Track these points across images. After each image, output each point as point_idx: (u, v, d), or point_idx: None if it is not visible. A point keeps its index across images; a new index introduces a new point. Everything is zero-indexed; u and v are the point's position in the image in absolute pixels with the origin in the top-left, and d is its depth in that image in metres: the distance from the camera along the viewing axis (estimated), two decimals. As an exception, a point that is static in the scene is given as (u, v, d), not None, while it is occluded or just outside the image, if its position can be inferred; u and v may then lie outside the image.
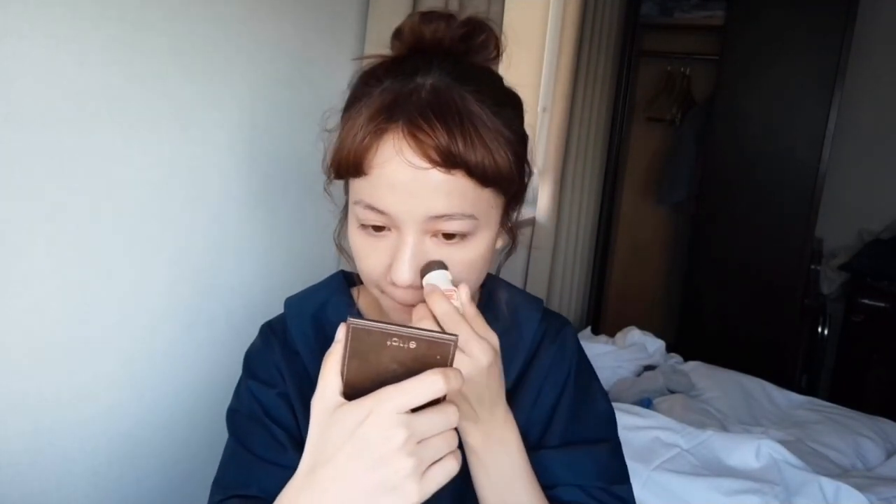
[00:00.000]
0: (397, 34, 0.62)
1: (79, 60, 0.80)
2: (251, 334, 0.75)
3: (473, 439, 0.59)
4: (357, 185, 0.57)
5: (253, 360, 0.71)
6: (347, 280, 0.74)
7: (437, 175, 0.53)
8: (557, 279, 2.55)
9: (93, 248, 0.86)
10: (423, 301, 0.56)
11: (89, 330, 0.88)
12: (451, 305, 0.54)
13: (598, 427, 0.70)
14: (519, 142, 0.60)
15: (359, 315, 0.70)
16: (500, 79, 0.63)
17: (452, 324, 0.53)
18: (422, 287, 0.56)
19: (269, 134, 1.11)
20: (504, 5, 1.65)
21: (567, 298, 2.67)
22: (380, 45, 1.23)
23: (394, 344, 0.45)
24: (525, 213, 2.44)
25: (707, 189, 2.76)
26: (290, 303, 0.72)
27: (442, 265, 0.58)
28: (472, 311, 0.56)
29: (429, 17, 0.61)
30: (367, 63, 0.62)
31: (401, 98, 0.55)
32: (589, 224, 2.78)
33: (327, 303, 0.70)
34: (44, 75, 0.76)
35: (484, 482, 0.60)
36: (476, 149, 0.54)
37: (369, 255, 0.59)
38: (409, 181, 0.54)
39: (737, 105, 2.65)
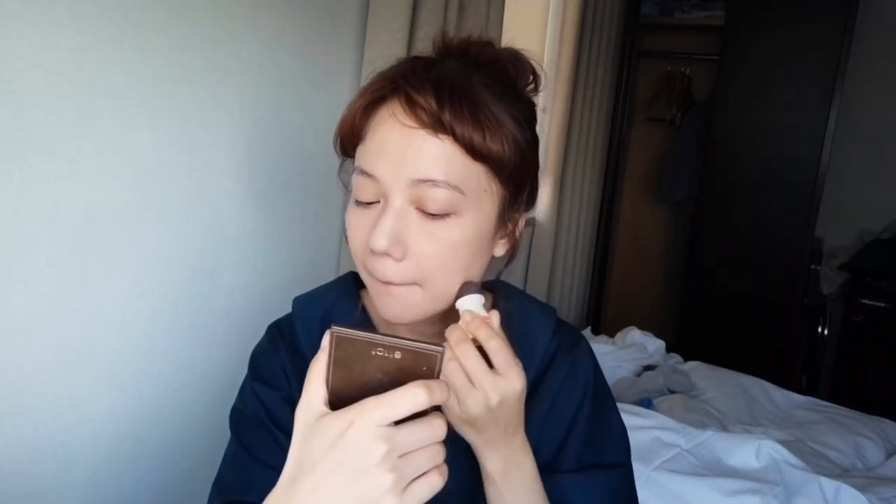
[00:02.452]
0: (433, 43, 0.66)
1: (79, 60, 0.80)
2: (251, 334, 0.75)
3: (493, 466, 0.59)
4: (357, 154, 0.60)
5: (258, 361, 0.70)
6: (357, 279, 0.72)
7: (425, 137, 0.55)
8: (557, 279, 2.55)
9: (93, 248, 0.86)
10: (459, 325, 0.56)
11: (89, 329, 0.88)
12: (492, 330, 0.55)
13: (613, 451, 0.69)
14: (523, 134, 0.60)
15: (367, 321, 0.69)
16: (516, 83, 0.63)
17: (496, 349, 0.54)
18: (399, 260, 0.57)
19: (270, 133, 1.11)
20: (504, 5, 1.65)
21: (567, 298, 2.67)
22: (380, 45, 1.24)
23: (378, 354, 0.44)
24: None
25: (707, 189, 2.76)
26: (298, 303, 0.71)
27: (477, 288, 0.59)
28: (502, 337, 0.56)
29: (471, 40, 0.64)
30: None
31: (408, 72, 0.58)
32: (589, 224, 2.78)
33: (335, 306, 0.69)
34: (44, 75, 0.76)
35: None
36: (466, 120, 0.55)
37: (356, 228, 0.59)
38: (398, 142, 0.56)
39: (737, 105, 2.65)
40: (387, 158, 0.56)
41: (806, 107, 2.52)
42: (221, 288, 1.07)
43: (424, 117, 0.55)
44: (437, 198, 0.55)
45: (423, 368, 0.45)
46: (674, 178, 3.06)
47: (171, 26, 0.91)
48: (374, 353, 0.44)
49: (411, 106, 0.55)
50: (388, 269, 0.57)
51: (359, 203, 0.59)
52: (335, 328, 0.44)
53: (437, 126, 0.55)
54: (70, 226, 0.83)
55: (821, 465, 1.59)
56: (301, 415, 0.46)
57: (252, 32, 1.04)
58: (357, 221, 0.59)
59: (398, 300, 0.59)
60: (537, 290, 2.39)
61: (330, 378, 0.45)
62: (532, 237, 2.37)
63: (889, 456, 1.72)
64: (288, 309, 0.72)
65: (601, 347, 2.22)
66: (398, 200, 0.56)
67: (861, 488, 1.39)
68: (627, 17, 2.81)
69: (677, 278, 3.13)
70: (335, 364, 0.45)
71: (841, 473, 1.58)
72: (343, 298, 0.70)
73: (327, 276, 0.77)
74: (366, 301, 0.70)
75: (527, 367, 0.67)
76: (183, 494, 1.06)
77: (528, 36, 2.31)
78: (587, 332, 2.44)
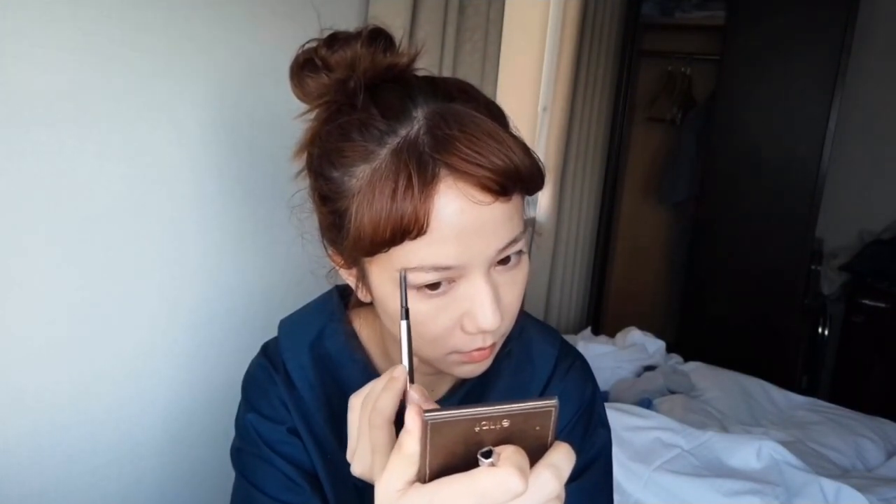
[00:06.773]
0: (312, 68, 0.58)
1: (79, 60, 0.80)
2: (251, 334, 0.75)
3: None
4: (405, 250, 0.49)
5: (253, 392, 0.66)
6: (343, 298, 0.68)
7: (495, 206, 0.49)
8: (557, 279, 2.55)
9: (92, 247, 0.86)
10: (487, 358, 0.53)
11: (89, 329, 0.88)
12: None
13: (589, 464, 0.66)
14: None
15: (358, 346, 0.64)
16: (476, 90, 0.57)
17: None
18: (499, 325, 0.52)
19: (270, 133, 1.11)
20: (504, 5, 1.65)
21: (567, 298, 2.67)
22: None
23: (484, 428, 0.38)
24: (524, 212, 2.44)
25: (707, 189, 2.76)
26: (284, 329, 0.67)
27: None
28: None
29: (336, 40, 0.57)
30: (328, 120, 0.58)
31: (418, 138, 0.49)
32: (589, 224, 2.78)
33: (324, 331, 0.65)
34: (44, 75, 0.76)
35: None
36: (517, 152, 0.49)
37: (437, 318, 0.52)
38: (474, 221, 0.49)
39: (737, 105, 2.65)
40: (465, 242, 0.49)
41: (806, 107, 2.52)
42: (221, 288, 1.07)
43: (489, 179, 0.48)
44: (516, 248, 0.53)
45: (535, 429, 0.39)
46: (674, 178, 3.06)
47: (171, 27, 0.91)
48: (477, 429, 0.38)
49: (469, 176, 0.48)
50: (488, 339, 0.53)
51: (421, 291, 0.51)
52: (428, 415, 0.38)
53: (507, 179, 0.48)
54: (69, 226, 0.83)
55: (821, 465, 1.59)
56: (383, 490, 0.41)
57: (251, 32, 1.04)
58: (432, 313, 0.52)
59: (487, 360, 0.56)
60: (537, 290, 2.39)
61: (426, 466, 0.40)
62: (532, 237, 2.37)
63: (889, 457, 1.72)
64: (288, 309, 0.71)
65: (601, 348, 2.22)
66: (484, 274, 0.51)
67: (861, 489, 1.39)
68: (628, 16, 2.81)
69: (677, 278, 3.13)
70: (432, 452, 0.39)
71: (841, 474, 1.58)
72: (332, 323, 0.66)
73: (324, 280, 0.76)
74: (355, 323, 0.67)
75: (528, 393, 0.65)
76: (183, 495, 1.06)
77: (529, 36, 2.31)
78: (587, 333, 2.43)
